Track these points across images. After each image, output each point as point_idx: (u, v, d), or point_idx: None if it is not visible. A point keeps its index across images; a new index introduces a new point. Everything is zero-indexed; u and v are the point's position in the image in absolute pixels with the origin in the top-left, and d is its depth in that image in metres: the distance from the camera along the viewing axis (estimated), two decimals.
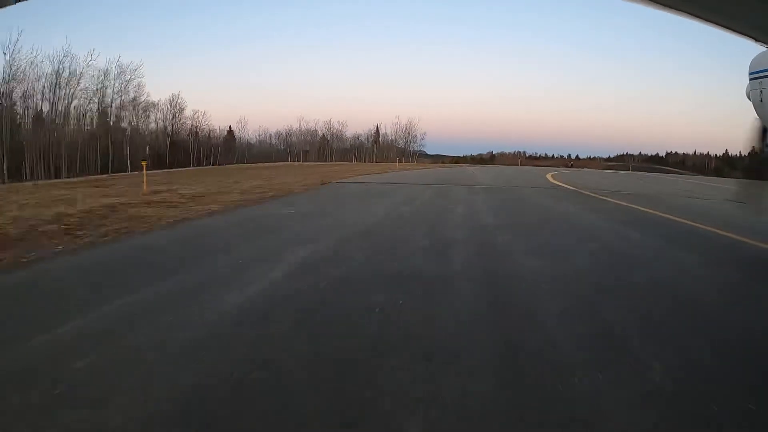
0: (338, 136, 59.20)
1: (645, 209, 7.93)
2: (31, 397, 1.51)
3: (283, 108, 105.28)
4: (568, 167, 51.72)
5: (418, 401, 1.54)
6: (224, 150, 50.07)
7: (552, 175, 20.86)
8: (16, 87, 27.36)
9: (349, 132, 61.71)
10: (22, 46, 29.41)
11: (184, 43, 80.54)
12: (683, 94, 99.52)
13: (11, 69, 26.57)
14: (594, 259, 4.02)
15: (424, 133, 63.03)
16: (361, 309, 2.46)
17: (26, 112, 29.17)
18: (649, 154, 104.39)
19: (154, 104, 40.68)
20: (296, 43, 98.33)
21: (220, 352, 1.91)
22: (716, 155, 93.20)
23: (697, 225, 6.11)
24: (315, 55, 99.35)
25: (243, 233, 4.85)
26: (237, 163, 46.09)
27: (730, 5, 2.31)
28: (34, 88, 28.50)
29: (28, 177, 23.16)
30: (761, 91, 4.60)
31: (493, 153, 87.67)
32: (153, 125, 41.73)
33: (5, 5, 2.17)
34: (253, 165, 32.27)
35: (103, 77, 33.41)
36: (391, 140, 61.87)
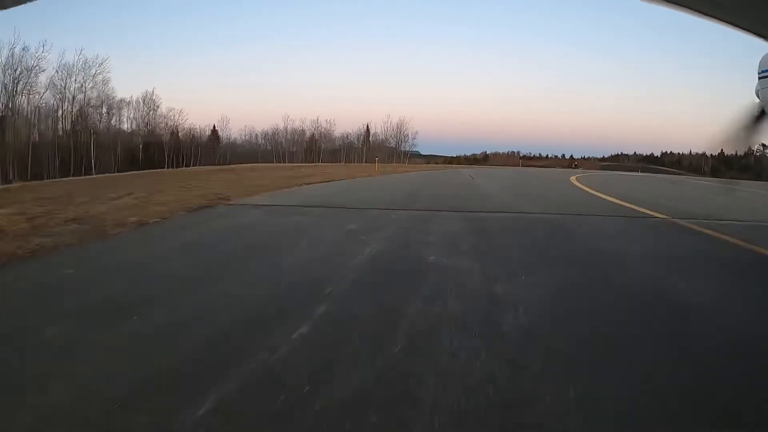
0: (326, 136, 57.58)
1: None
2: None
3: (271, 107, 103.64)
4: (572, 168, 49.35)
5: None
6: (206, 150, 48.63)
7: (582, 181, 14.56)
8: None
9: (339, 131, 60.09)
10: None
11: (166, 40, 78.73)
12: (679, 94, 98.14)
13: None
14: None
15: (416, 132, 60.91)
16: None
17: None
18: (644, 154, 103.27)
19: (126, 102, 39.03)
20: (282, 42, 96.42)
21: None
22: (712, 155, 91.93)
23: None
24: (301, 53, 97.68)
25: None
26: (220, 164, 44.63)
27: (741, 4, 2.23)
28: None
29: None
30: None
31: (487, 153, 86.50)
32: (128, 125, 40.19)
33: (5, 7, 2.11)
34: (225, 167, 30.76)
35: (65, 73, 31.57)
36: (382, 140, 60.18)
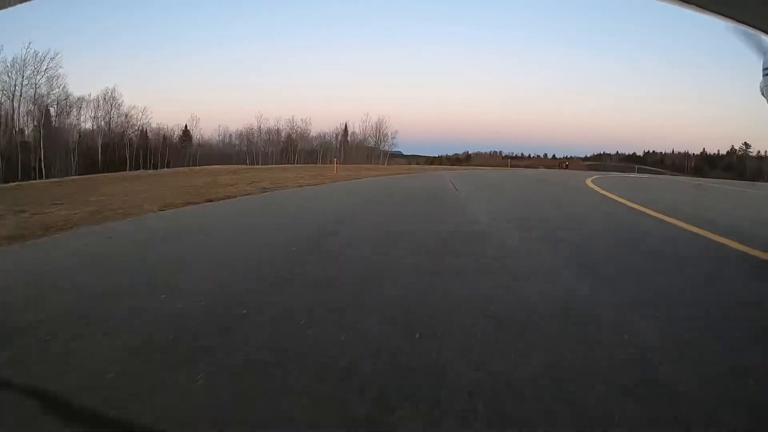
0: (303, 136, 55.85)
1: None
2: None
3: (246, 106, 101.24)
4: (563, 168, 45.72)
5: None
6: (175, 151, 46.63)
7: (613, 192, 9.86)
8: None
9: (316, 131, 58.37)
10: None
11: (130, 36, 75.77)
12: (661, 93, 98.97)
13: None
14: None
15: (396, 132, 59.49)
16: None
17: None
18: (627, 153, 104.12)
19: (85, 100, 36.83)
20: (259, 41, 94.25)
21: None
22: (694, 154, 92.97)
23: None
24: (278, 52, 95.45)
25: None
26: (189, 165, 42.70)
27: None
28: None
29: None
30: None
31: (469, 153, 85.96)
32: (90, 125, 38.02)
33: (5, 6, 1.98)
34: (182, 170, 28.93)
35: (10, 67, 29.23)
36: (360, 139, 58.72)
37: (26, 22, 53.39)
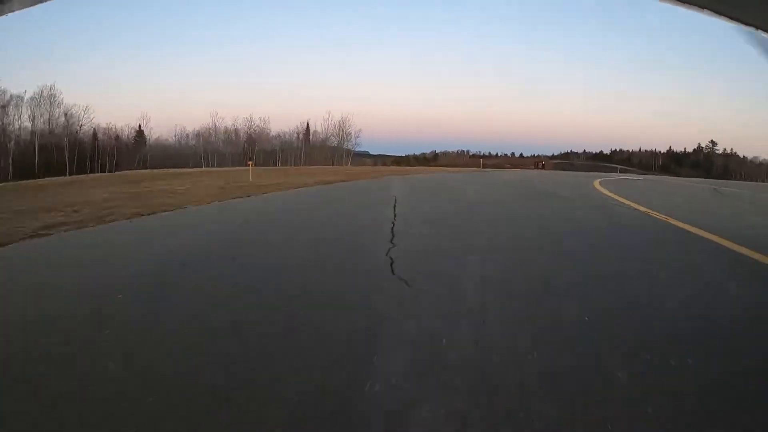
0: (261, 136, 54.22)
1: None
2: None
3: (204, 105, 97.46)
4: (539, 168, 39.82)
5: None
6: (126, 152, 44.51)
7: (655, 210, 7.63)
8: None
9: (277, 130, 56.74)
10: None
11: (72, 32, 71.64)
12: (627, 91, 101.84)
13: None
14: None
15: (359, 131, 58.73)
16: None
17: None
18: (594, 152, 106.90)
19: (20, 98, 34.48)
20: (212, 36, 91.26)
21: None
22: (661, 152, 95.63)
23: None
24: (234, 47, 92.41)
25: None
26: (140, 168, 40.77)
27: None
28: None
29: None
30: None
31: (437, 152, 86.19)
32: (27, 124, 35.65)
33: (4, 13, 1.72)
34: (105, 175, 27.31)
35: None
36: (323, 139, 57.60)
37: None
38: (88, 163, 40.38)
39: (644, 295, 3.26)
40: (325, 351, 2.18)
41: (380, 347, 2.21)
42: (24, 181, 22.24)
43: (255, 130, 52.77)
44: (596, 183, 14.27)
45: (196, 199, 8.15)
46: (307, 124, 57.29)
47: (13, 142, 33.25)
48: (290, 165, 47.74)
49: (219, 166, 43.63)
